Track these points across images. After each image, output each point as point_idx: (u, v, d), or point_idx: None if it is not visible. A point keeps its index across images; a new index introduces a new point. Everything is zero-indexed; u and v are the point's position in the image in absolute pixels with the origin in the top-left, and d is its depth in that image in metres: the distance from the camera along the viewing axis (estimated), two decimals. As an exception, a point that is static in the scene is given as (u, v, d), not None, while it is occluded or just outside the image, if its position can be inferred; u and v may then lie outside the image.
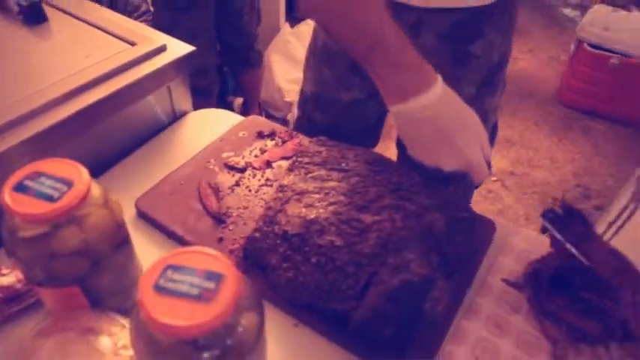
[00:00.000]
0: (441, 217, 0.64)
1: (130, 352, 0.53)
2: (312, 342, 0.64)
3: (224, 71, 2.31)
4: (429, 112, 0.63)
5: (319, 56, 1.06)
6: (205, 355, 0.43)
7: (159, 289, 0.42)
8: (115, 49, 0.89)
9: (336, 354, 0.63)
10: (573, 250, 0.69)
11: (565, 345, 0.66)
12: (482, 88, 1.01)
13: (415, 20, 0.89)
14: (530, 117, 2.62)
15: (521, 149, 2.40)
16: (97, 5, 1.02)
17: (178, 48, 0.93)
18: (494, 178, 2.20)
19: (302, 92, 1.16)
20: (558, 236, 0.70)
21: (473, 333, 0.67)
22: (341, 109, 1.08)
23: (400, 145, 1.07)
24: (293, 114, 2.30)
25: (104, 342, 0.54)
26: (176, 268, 0.43)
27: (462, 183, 1.11)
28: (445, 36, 0.91)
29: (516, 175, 2.25)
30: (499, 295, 0.72)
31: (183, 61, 0.92)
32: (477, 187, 1.23)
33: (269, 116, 2.45)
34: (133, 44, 0.91)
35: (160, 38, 0.94)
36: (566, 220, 0.73)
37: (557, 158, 2.37)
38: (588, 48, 2.45)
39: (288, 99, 2.39)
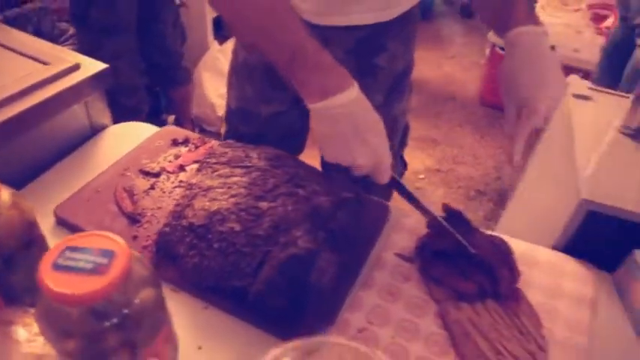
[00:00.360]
0: (327, 199, 0.72)
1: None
2: (221, 321, 0.70)
3: (156, 91, 2.35)
4: (347, 109, 0.69)
5: (240, 73, 1.13)
6: (106, 323, 0.49)
7: (57, 266, 0.48)
8: (29, 69, 0.93)
9: (242, 329, 0.69)
10: (463, 241, 0.78)
11: (447, 304, 0.74)
12: (390, 95, 1.09)
13: (321, 37, 0.97)
14: (454, 118, 2.77)
15: (447, 148, 2.54)
16: (10, 28, 1.06)
17: (92, 66, 0.98)
18: (422, 176, 2.33)
19: (227, 107, 1.22)
20: (451, 229, 0.79)
21: (368, 302, 0.75)
22: (262, 122, 1.14)
23: None
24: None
25: (19, 332, 0.59)
26: (74, 249, 0.49)
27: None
28: (351, 51, 0.99)
29: (442, 172, 2.38)
30: (392, 268, 0.80)
31: (97, 79, 0.98)
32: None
33: (203, 131, 2.50)
34: (46, 64, 0.95)
35: (74, 58, 0.99)
36: (451, 219, 0.82)
37: (479, 154, 2.52)
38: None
39: (220, 113, 2.45)
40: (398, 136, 1.26)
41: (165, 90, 2.32)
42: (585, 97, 1.09)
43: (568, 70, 2.05)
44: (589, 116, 1.05)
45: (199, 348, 0.66)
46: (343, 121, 0.69)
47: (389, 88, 1.08)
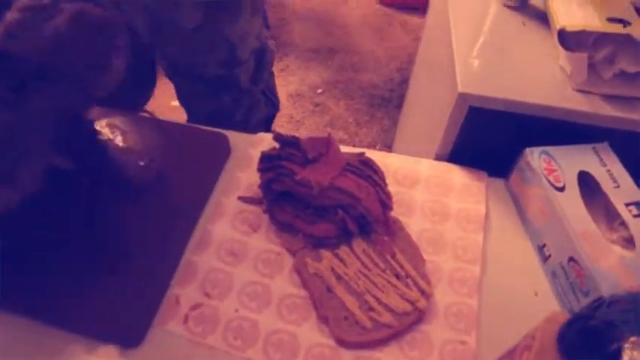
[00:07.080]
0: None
1: None
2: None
3: None
4: None
5: None
6: None
7: None
8: None
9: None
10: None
11: (303, 254, 0.58)
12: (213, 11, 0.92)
13: None
14: (349, 22, 2.55)
15: (345, 56, 2.34)
16: None
17: None
18: (320, 90, 2.13)
19: None
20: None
21: (202, 267, 0.58)
22: None
23: None
24: None
25: None
26: None
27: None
28: None
29: (342, 83, 2.19)
30: (234, 216, 0.63)
31: None
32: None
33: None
34: None
35: None
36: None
37: (380, 58, 2.34)
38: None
39: None
40: (248, 68, 1.08)
41: None
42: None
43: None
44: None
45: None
46: None
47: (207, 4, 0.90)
